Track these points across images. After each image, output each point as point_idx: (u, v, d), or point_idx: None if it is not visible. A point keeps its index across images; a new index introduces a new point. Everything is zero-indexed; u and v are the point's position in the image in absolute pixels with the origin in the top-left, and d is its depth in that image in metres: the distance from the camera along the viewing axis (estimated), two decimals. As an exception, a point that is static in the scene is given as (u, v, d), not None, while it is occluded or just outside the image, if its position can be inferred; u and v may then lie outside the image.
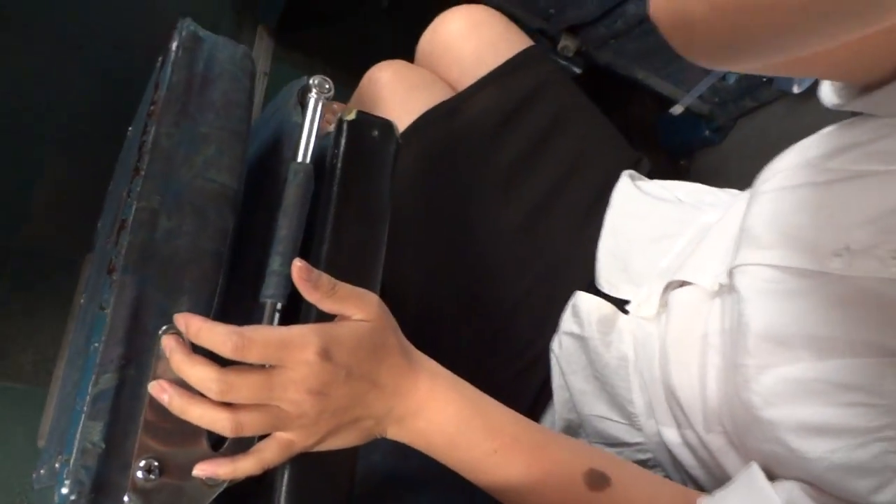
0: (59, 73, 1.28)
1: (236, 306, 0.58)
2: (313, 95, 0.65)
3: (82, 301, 0.77)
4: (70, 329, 0.90)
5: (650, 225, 0.75)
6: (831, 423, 0.46)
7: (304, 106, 0.66)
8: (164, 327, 0.51)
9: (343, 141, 0.60)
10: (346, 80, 1.07)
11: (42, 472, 0.65)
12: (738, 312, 0.55)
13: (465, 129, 0.85)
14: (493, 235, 0.82)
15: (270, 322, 0.55)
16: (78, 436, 0.50)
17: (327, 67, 1.49)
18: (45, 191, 1.20)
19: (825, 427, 0.47)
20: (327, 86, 0.66)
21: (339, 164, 0.60)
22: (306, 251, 0.59)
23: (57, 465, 0.52)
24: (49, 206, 1.20)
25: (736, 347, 0.54)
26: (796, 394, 0.48)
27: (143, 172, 0.56)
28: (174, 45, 0.61)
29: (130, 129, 0.79)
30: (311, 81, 0.66)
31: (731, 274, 0.57)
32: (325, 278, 0.50)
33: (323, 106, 0.65)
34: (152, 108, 0.59)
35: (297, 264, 0.50)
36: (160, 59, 0.66)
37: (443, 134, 0.84)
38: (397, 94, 0.87)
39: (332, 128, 0.65)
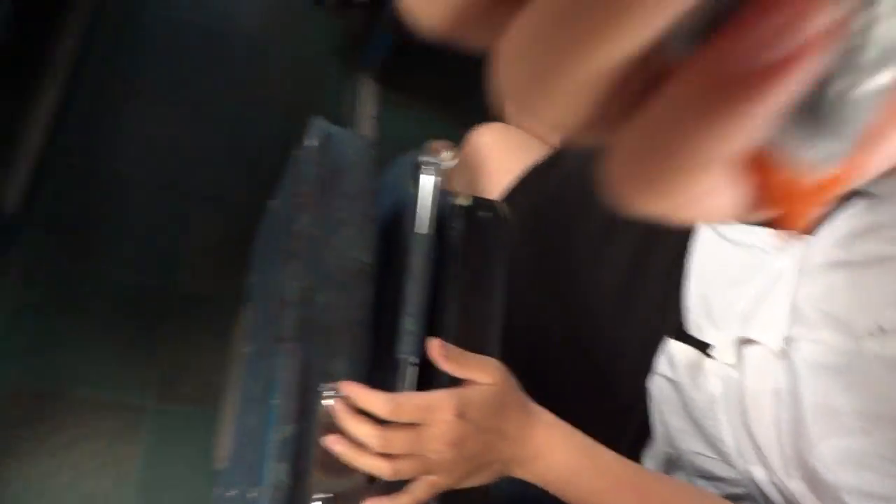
0: (195, 141, 1.46)
1: (379, 362, 0.70)
2: (426, 173, 0.76)
3: (246, 350, 0.91)
4: (234, 369, 1.06)
5: (727, 270, 0.80)
6: (886, 492, 0.53)
7: (418, 180, 0.77)
8: (329, 388, 0.64)
9: (460, 223, 0.71)
10: (453, 118, 1.17)
11: (230, 494, 0.80)
12: (794, 382, 0.61)
13: (564, 183, 0.93)
14: (594, 283, 0.90)
15: (405, 375, 0.67)
16: (269, 475, 0.64)
17: (432, 107, 1.60)
18: (196, 243, 1.39)
19: (882, 495, 0.53)
20: (439, 162, 0.77)
21: (457, 245, 0.71)
22: (430, 313, 0.71)
23: (253, 496, 0.67)
24: (201, 255, 1.38)
25: (798, 412, 0.61)
26: (852, 463, 0.54)
27: (297, 257, 0.69)
28: (310, 143, 0.74)
29: (272, 202, 0.93)
30: (423, 158, 0.77)
31: (786, 343, 0.64)
32: (457, 351, 0.61)
33: (437, 181, 0.76)
34: (299, 200, 0.71)
35: (434, 343, 0.62)
36: (298, 152, 0.78)
37: (544, 189, 0.93)
38: (499, 156, 0.97)
39: (454, 199, 0.75)
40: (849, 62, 0.13)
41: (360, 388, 0.61)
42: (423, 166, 0.76)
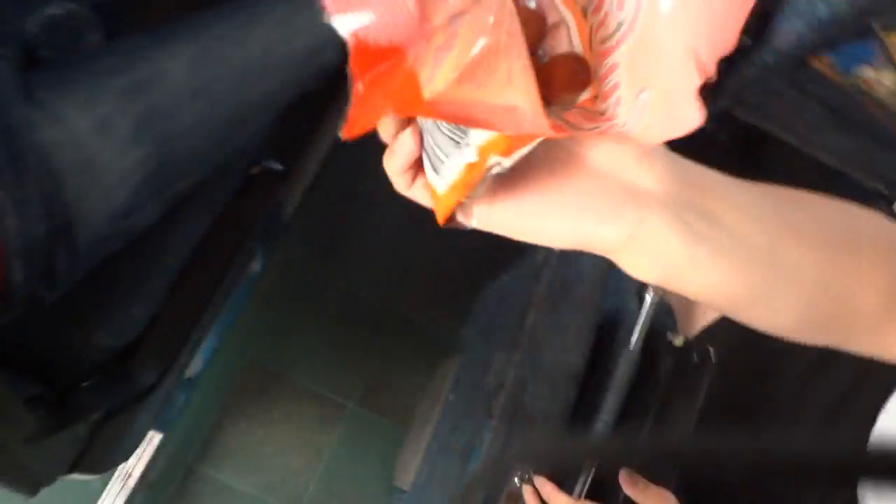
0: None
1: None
2: (650, 295, 0.83)
3: (450, 398, 1.04)
4: (430, 403, 1.19)
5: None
6: None
7: (641, 299, 0.84)
8: (524, 472, 0.74)
9: (670, 360, 0.78)
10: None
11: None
12: None
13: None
14: (791, 424, 0.92)
15: (586, 480, 0.75)
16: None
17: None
18: (424, 276, 1.56)
19: None
20: (667, 305, 0.84)
21: (662, 379, 0.78)
22: (620, 423, 0.78)
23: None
24: (425, 287, 1.55)
25: None
26: None
27: (520, 348, 0.79)
28: (555, 250, 0.84)
29: (505, 275, 1.05)
30: (649, 291, 0.84)
31: None
32: (642, 480, 0.69)
33: (659, 304, 0.83)
34: (533, 299, 0.82)
35: (623, 473, 0.69)
36: (540, 252, 0.89)
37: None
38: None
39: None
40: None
41: (549, 483, 0.70)
42: (649, 287, 0.84)
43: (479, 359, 0.97)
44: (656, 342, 0.82)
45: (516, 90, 0.26)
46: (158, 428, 1.23)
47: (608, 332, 0.88)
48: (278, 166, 1.02)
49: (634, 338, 0.81)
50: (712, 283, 0.37)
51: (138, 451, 1.24)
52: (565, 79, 0.29)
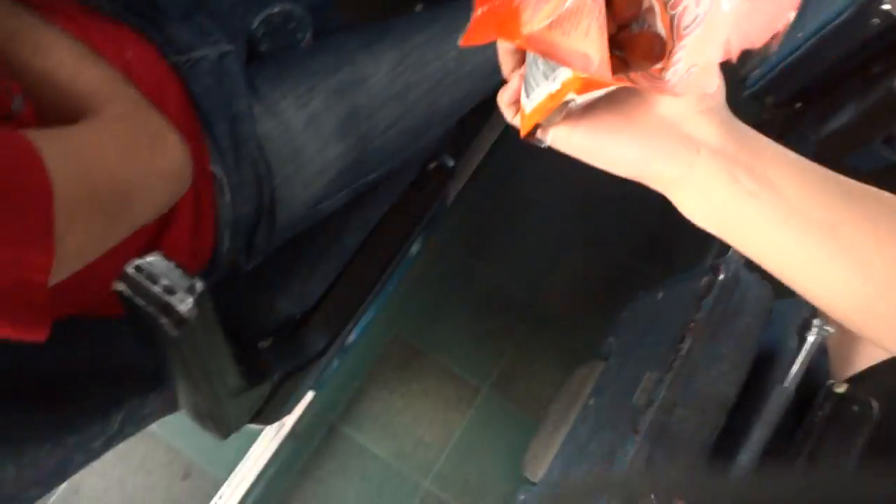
0: (598, 189, 1.64)
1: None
2: (813, 335, 0.82)
3: (590, 403, 1.07)
4: (566, 402, 1.23)
5: None
6: None
7: (804, 339, 0.84)
8: (660, 495, 0.76)
9: (828, 407, 0.77)
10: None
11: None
12: None
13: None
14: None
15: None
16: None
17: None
18: (569, 275, 1.59)
19: None
20: (827, 328, 0.83)
21: (816, 424, 0.77)
22: (765, 457, 0.78)
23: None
24: (570, 286, 1.58)
25: None
26: None
27: (673, 371, 0.81)
28: (719, 278, 0.85)
29: (659, 292, 1.06)
30: (816, 320, 0.83)
31: None
32: None
33: (821, 345, 0.82)
34: (692, 325, 0.83)
35: None
36: (704, 278, 0.90)
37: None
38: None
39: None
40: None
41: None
42: (812, 327, 0.83)
43: (627, 371, 1.00)
44: (812, 383, 0.81)
45: (591, 42, 0.35)
46: (313, 387, 1.34)
47: (763, 366, 0.87)
48: (451, 162, 1.07)
49: (791, 376, 0.81)
50: (763, 242, 0.40)
51: (292, 405, 1.36)
52: (644, 50, 0.38)
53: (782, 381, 0.81)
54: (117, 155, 0.58)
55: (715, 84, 0.37)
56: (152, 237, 0.73)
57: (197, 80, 0.77)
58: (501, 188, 1.67)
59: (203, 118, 0.77)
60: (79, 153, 0.54)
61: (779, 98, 1.14)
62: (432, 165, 1.04)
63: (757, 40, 0.35)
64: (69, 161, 0.52)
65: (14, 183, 0.48)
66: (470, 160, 1.50)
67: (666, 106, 0.40)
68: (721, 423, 0.80)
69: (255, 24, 0.90)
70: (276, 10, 0.91)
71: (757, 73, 1.15)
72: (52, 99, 0.60)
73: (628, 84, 0.36)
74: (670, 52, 0.38)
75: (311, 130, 0.82)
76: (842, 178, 0.40)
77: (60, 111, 0.60)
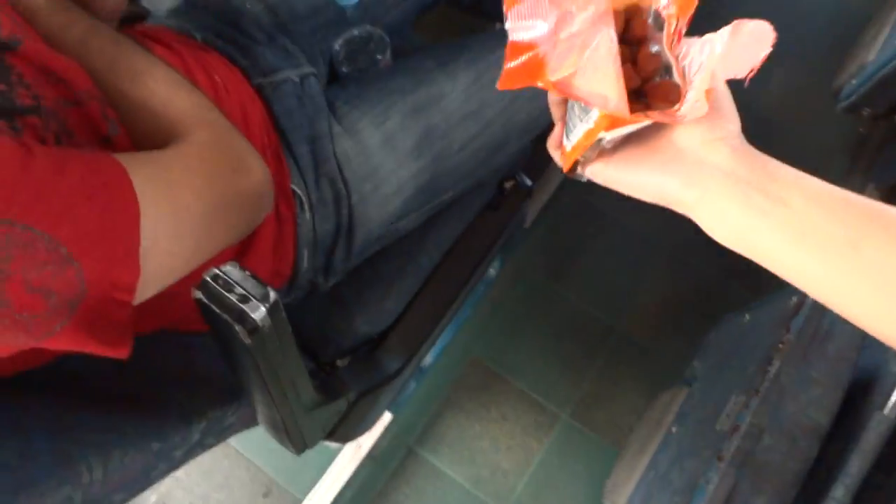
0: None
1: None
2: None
3: (673, 430, 1.03)
4: (648, 429, 1.19)
5: None
6: None
7: (903, 364, 0.78)
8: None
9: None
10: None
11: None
12: None
13: None
14: None
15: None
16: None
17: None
18: (651, 298, 1.54)
19: None
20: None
21: None
22: (860, 491, 0.73)
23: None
24: (652, 309, 1.53)
25: None
26: None
27: (760, 394, 0.77)
28: (809, 299, 0.81)
29: (744, 315, 1.01)
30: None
31: None
32: None
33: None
34: (780, 345, 0.79)
35: None
36: (794, 298, 0.86)
37: None
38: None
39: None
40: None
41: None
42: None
43: (711, 396, 0.96)
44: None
45: (608, 85, 0.42)
46: (390, 409, 1.34)
47: (860, 391, 0.82)
48: (529, 182, 1.07)
49: (892, 402, 0.76)
50: (782, 259, 0.42)
51: (370, 426, 1.37)
52: (663, 95, 0.45)
53: (882, 408, 0.76)
54: (202, 179, 0.60)
55: (704, 108, 0.42)
56: (235, 258, 0.75)
57: (280, 101, 0.80)
58: (581, 209, 1.65)
59: (284, 138, 0.79)
60: (166, 176, 0.57)
61: (876, 109, 1.09)
62: (509, 185, 1.04)
63: (739, 74, 0.41)
64: (156, 184, 0.55)
65: (104, 204, 0.50)
66: (548, 181, 1.49)
67: (683, 137, 0.45)
68: (813, 454, 0.75)
69: (337, 46, 0.93)
70: (356, 32, 0.94)
71: (852, 84, 1.10)
72: (144, 124, 0.63)
73: (645, 118, 0.43)
74: (684, 94, 0.44)
75: (387, 149, 0.83)
76: (862, 197, 0.41)
77: (151, 135, 0.63)
